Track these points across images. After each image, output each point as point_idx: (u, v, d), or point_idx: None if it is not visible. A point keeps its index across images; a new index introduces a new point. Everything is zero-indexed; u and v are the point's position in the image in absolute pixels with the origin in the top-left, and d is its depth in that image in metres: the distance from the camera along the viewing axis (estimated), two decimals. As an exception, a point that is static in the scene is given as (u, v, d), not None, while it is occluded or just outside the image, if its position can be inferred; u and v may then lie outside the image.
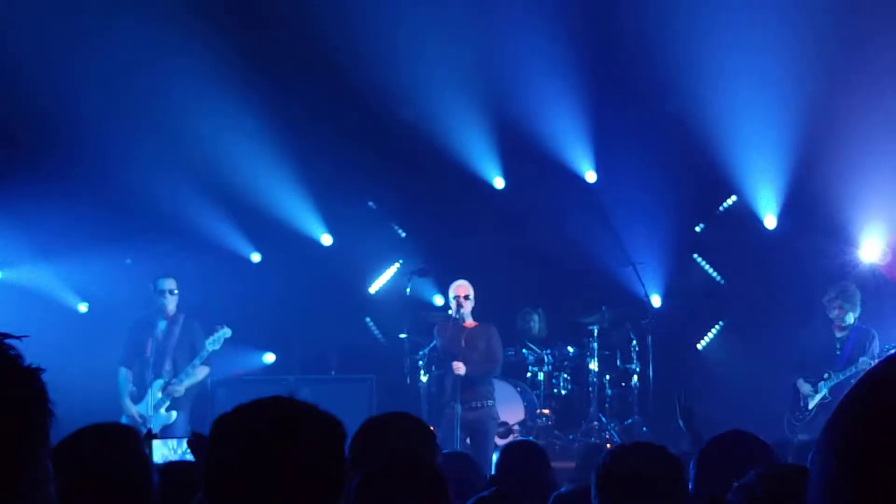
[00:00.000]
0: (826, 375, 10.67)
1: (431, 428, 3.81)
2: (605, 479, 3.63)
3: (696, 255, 13.59)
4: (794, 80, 12.04)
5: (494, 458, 10.60)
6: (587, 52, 12.57)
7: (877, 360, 7.71)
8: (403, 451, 3.58)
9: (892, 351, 10.08)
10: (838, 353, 10.74)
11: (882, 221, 12.18)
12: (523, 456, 5.77)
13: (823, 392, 10.63)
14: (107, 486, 3.47)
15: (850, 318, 10.75)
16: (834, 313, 10.79)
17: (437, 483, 3.37)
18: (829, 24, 11.36)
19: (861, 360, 10.49)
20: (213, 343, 10.98)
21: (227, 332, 11.05)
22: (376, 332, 13.85)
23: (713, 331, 13.54)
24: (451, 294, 11.01)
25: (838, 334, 10.82)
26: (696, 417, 6.78)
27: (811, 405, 10.69)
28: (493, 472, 6.21)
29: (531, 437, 11.39)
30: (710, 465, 4.12)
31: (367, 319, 13.90)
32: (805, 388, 10.81)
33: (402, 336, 11.94)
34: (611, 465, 3.66)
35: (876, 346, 10.63)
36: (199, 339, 11.02)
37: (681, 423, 6.73)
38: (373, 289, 13.71)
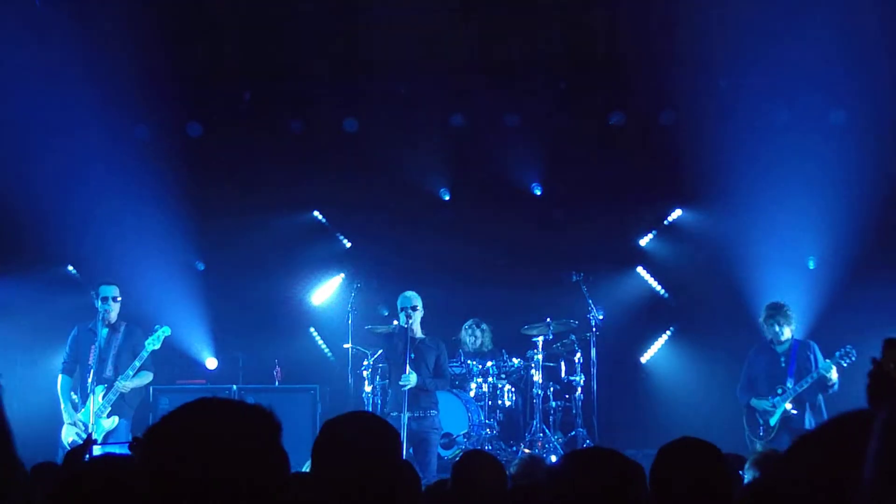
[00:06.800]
0: (780, 390, 10.96)
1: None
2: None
3: (640, 268, 13.65)
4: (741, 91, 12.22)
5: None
6: (536, 64, 12.62)
7: (825, 367, 7.79)
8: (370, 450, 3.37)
9: (845, 354, 10.67)
10: (783, 366, 11.02)
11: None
12: (481, 466, 5.69)
13: (783, 406, 10.90)
14: None
15: (787, 333, 11.14)
16: (772, 332, 11.17)
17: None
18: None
19: (820, 367, 10.81)
20: (152, 342, 10.79)
21: (166, 329, 10.88)
22: (320, 342, 13.76)
23: (658, 343, 13.62)
24: (400, 305, 11.02)
25: (780, 349, 11.16)
26: None
27: (773, 421, 10.93)
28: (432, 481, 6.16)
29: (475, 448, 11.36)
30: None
31: (311, 329, 13.81)
32: (763, 404, 11.05)
33: (347, 346, 11.91)
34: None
35: (819, 355, 11.01)
36: (140, 345, 10.85)
37: None
38: (316, 299, 13.61)
